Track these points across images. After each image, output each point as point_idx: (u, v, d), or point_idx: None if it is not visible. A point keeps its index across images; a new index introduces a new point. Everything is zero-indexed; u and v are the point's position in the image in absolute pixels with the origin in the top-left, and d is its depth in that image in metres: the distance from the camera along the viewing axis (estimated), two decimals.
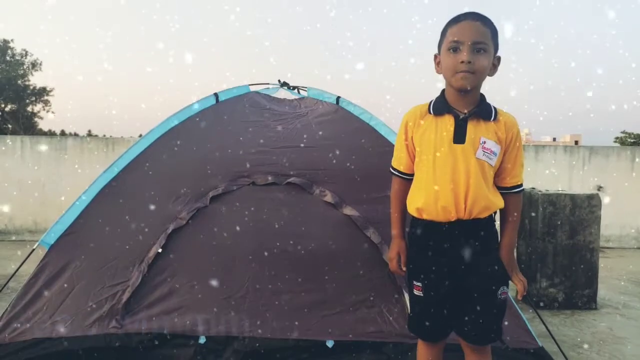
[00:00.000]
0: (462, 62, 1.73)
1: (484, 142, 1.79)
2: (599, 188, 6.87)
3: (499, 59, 1.83)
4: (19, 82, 34.65)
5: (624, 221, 6.91)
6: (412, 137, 1.89)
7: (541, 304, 3.90)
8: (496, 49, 1.80)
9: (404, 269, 1.96)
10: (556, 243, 3.91)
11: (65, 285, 2.68)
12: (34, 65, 35.67)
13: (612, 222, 6.70)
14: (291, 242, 2.70)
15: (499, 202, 1.85)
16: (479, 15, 1.77)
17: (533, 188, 4.41)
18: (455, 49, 1.75)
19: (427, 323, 1.91)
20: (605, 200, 6.54)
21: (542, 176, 6.80)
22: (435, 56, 1.89)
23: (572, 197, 3.92)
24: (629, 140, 39.02)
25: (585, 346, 3.13)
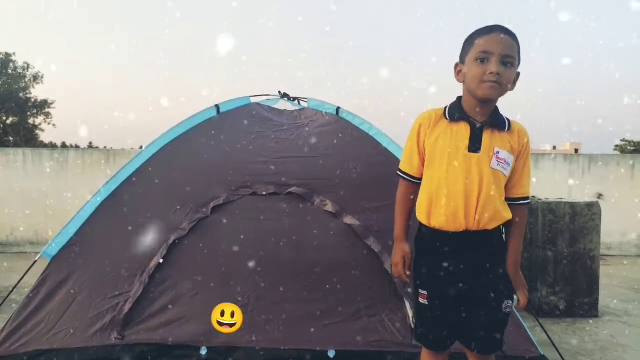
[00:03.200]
0: (491, 72, 1.72)
1: (498, 152, 1.79)
2: (599, 196, 6.87)
3: (518, 74, 1.83)
4: (21, 94, 34.87)
5: (624, 229, 6.91)
6: (424, 141, 1.88)
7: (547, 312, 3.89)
8: (519, 64, 1.81)
9: (409, 273, 1.95)
10: (557, 251, 3.91)
11: (67, 296, 2.69)
12: (36, 78, 35.96)
13: (612, 230, 6.69)
14: (292, 251, 2.71)
15: (508, 214, 1.85)
16: (508, 30, 1.78)
17: (533, 196, 4.42)
18: (483, 59, 1.75)
19: (432, 332, 1.91)
20: (606, 208, 6.55)
21: (542, 184, 6.80)
22: (456, 65, 1.88)
23: (572, 205, 3.93)
24: (629, 148, 39.10)
25: (587, 354, 3.12)
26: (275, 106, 3.78)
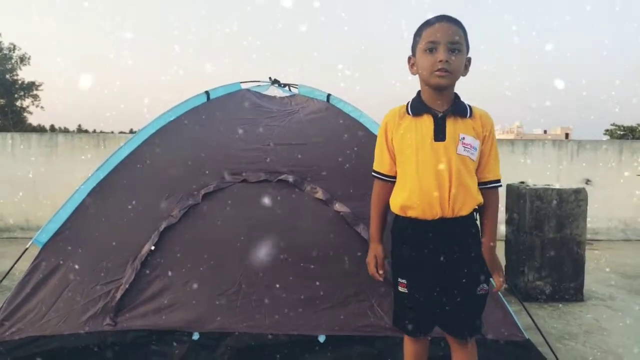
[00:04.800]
0: (440, 61, 1.78)
1: (463, 138, 1.84)
2: (587, 181, 6.96)
3: (469, 60, 1.89)
4: (7, 76, 34.35)
5: (611, 214, 7.01)
6: (392, 138, 1.94)
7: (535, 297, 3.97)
8: (468, 49, 1.87)
9: (381, 272, 2.02)
10: (543, 237, 3.98)
11: (59, 283, 2.70)
12: (22, 59, 35.40)
13: (600, 215, 6.79)
14: (283, 238, 2.73)
15: (480, 198, 1.90)
16: (452, 18, 1.84)
17: (522, 182, 4.47)
18: (431, 49, 1.81)
19: (411, 319, 1.96)
20: (594, 193, 6.64)
21: (530, 170, 6.88)
22: (409, 58, 1.94)
23: (559, 192, 3.99)
24: (618, 132, 39.41)
25: (572, 338, 3.20)
26: (266, 92, 3.78)
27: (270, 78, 3.81)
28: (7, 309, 2.63)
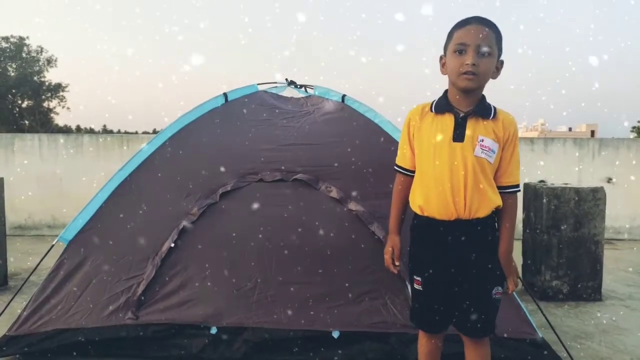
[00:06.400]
0: (467, 64, 1.78)
1: (482, 140, 1.84)
2: (609, 180, 6.86)
3: (502, 62, 1.88)
4: (35, 78, 35.23)
5: (634, 213, 6.90)
6: (413, 134, 1.96)
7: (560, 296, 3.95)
8: (500, 52, 1.85)
9: (397, 263, 2.05)
10: (561, 236, 3.95)
11: (83, 279, 2.82)
12: (49, 61, 36.28)
13: (622, 214, 6.69)
14: (298, 236, 2.80)
15: (498, 200, 1.89)
16: (485, 20, 1.82)
17: (541, 181, 4.45)
18: (461, 51, 1.81)
19: (427, 316, 1.99)
20: (616, 192, 6.54)
21: (551, 169, 6.81)
22: (441, 57, 1.94)
23: (577, 191, 3.96)
24: None
25: (587, 337, 3.18)
26: (282, 93, 3.84)
27: (286, 79, 3.88)
28: (34, 303, 2.75)
